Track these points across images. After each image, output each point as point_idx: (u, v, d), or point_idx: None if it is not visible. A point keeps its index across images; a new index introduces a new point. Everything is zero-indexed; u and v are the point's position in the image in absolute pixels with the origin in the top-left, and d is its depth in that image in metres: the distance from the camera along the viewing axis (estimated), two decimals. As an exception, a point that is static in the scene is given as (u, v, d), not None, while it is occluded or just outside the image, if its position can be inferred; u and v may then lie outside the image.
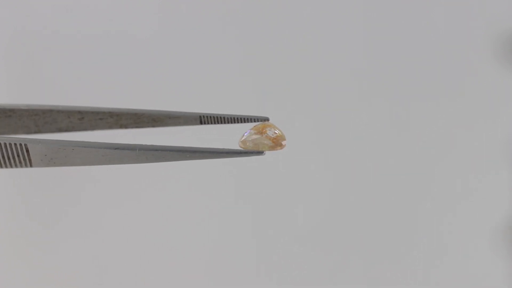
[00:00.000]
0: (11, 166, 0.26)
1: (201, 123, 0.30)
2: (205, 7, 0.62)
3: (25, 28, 0.61)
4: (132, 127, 0.30)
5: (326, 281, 0.65)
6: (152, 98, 0.61)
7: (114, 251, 0.64)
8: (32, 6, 0.61)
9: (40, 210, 0.64)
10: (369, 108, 0.63)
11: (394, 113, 0.63)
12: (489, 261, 0.65)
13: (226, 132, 0.31)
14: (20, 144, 0.25)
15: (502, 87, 0.63)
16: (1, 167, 0.26)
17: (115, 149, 0.25)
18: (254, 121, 0.29)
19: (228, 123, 0.29)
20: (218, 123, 0.30)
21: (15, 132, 0.31)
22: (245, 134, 0.28)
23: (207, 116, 0.30)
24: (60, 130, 0.31)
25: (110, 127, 0.30)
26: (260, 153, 0.27)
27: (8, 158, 0.26)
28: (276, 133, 0.28)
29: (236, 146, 0.28)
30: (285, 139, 0.28)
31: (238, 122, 0.29)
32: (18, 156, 0.25)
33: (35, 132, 0.31)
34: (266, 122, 0.29)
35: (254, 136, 0.28)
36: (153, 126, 0.30)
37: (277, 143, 0.28)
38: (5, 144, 0.25)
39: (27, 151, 0.25)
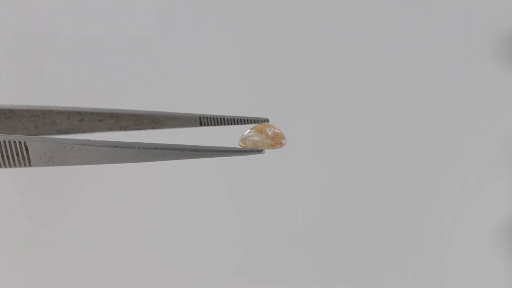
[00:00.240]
0: (10, 166, 0.26)
1: (201, 124, 0.30)
2: (205, 7, 0.62)
3: (25, 28, 0.61)
4: (131, 129, 0.30)
5: (326, 281, 0.65)
6: (151, 99, 0.61)
7: (114, 251, 0.64)
8: (32, 6, 0.61)
9: (40, 210, 0.64)
10: (369, 108, 0.63)
11: (394, 113, 0.63)
12: (489, 261, 0.65)
13: (226, 133, 0.31)
14: (20, 142, 0.25)
15: (502, 87, 0.63)
16: (0, 166, 0.26)
17: (114, 147, 0.25)
18: (254, 122, 0.29)
19: (228, 124, 0.29)
20: (218, 124, 0.30)
21: (15, 133, 0.31)
22: (245, 133, 0.28)
23: (207, 117, 0.30)
24: (59, 132, 0.31)
25: (110, 128, 0.30)
26: (259, 151, 0.27)
27: (7, 157, 0.25)
28: (276, 132, 0.28)
29: (236, 146, 0.28)
30: (284, 138, 0.28)
31: (238, 123, 0.29)
32: (17, 154, 0.25)
33: (35, 134, 0.31)
34: (266, 123, 0.29)
35: (254, 135, 0.28)
36: (153, 127, 0.30)
37: (276, 141, 0.28)
38: (4, 142, 0.25)
39: (26, 149, 0.25)
